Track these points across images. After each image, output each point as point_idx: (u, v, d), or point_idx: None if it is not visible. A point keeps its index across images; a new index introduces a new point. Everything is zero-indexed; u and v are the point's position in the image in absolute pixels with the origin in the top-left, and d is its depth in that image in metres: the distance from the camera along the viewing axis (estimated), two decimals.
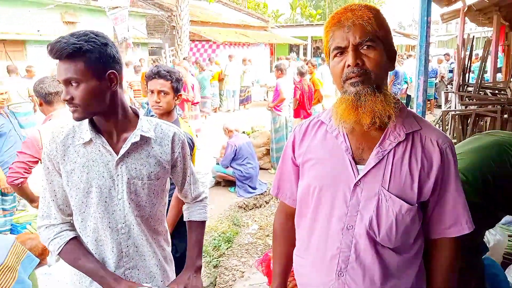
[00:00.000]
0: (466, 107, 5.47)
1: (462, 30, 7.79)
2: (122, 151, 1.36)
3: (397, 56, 1.26)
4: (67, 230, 1.41)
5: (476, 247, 1.78)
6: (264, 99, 14.05)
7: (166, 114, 2.38)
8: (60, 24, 12.10)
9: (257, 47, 17.70)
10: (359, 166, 1.19)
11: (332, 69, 1.19)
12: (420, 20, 3.37)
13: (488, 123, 5.51)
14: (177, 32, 14.16)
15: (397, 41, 24.12)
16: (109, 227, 1.38)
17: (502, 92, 5.83)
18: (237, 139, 5.81)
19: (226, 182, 5.91)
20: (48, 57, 1.29)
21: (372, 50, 1.12)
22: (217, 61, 12.87)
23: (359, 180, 1.16)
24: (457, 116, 5.22)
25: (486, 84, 6.73)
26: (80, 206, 1.37)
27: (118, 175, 1.37)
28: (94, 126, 1.38)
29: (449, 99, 7.92)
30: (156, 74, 2.30)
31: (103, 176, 1.36)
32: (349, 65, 1.12)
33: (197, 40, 15.41)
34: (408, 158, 1.16)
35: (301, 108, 6.79)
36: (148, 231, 1.47)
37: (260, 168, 6.20)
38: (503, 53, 9.26)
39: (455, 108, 5.82)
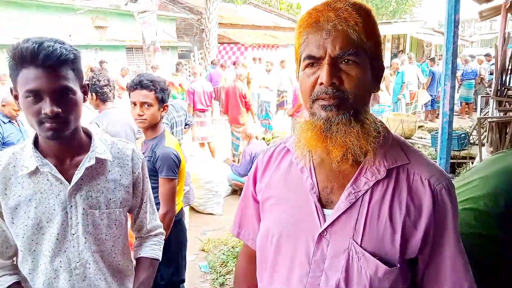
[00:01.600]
0: (505, 114, 4.95)
1: (504, 28, 7.15)
2: (75, 178, 1.18)
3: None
4: (6, 275, 1.22)
5: None
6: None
7: (151, 127, 2.19)
8: (91, 29, 12.35)
9: (286, 48, 17.39)
10: (326, 211, 0.92)
11: (301, 82, 0.91)
12: (446, 19, 2.98)
13: None
14: (206, 35, 14.14)
15: (436, 40, 22.96)
16: (61, 267, 1.19)
17: None
18: (254, 146, 5.58)
19: None
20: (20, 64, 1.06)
21: (354, 66, 0.84)
22: (244, 64, 12.66)
23: (325, 229, 0.90)
24: (494, 123, 4.72)
25: None
26: (30, 245, 1.18)
27: (71, 206, 1.18)
28: (37, 150, 1.18)
29: (489, 103, 7.30)
30: (138, 85, 2.11)
31: (54, 209, 1.17)
32: (322, 83, 0.85)
33: (225, 43, 15.33)
34: (389, 202, 0.87)
35: None
36: (108, 269, 1.27)
37: None
38: None
39: (492, 114, 5.30)
